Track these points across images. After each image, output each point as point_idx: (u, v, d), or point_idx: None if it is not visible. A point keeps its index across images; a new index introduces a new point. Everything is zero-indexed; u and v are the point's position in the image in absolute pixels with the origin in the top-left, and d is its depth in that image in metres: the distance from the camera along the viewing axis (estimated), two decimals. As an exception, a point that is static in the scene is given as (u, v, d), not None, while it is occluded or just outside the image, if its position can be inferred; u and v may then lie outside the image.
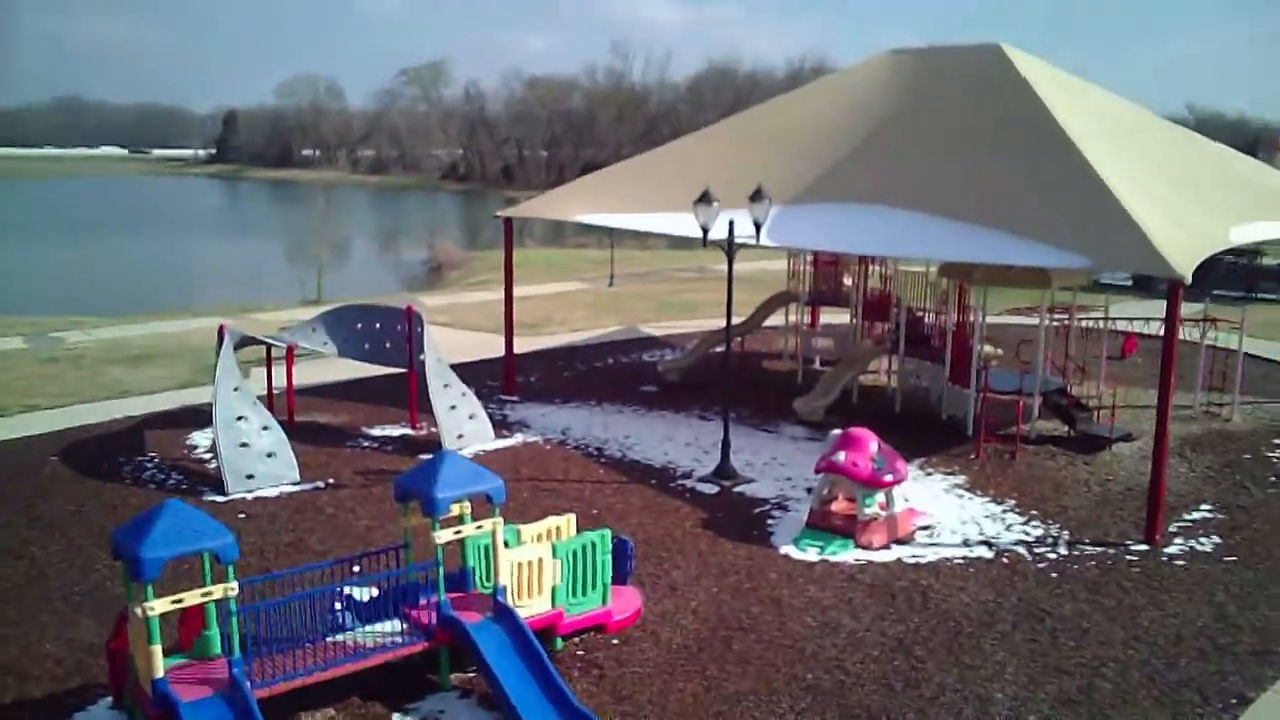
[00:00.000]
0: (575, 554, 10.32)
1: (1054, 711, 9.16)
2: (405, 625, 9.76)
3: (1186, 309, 22.96)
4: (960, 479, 15.46)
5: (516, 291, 20.77)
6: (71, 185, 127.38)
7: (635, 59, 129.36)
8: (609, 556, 10.56)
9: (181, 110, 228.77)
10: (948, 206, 16.00)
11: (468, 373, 19.00)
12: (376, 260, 63.68)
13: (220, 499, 14.56)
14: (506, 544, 10.23)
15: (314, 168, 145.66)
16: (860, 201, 17.21)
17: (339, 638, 9.53)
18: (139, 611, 8.12)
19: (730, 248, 15.01)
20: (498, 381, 20.77)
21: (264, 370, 18.63)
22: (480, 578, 10.42)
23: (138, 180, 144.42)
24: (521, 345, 23.45)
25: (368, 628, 9.64)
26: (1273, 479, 15.56)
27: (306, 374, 21.42)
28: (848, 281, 22.22)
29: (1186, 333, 23.91)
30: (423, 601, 9.83)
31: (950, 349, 18.35)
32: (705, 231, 14.78)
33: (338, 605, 10.33)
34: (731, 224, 14.85)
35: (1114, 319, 19.75)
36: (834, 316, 24.62)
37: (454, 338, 25.36)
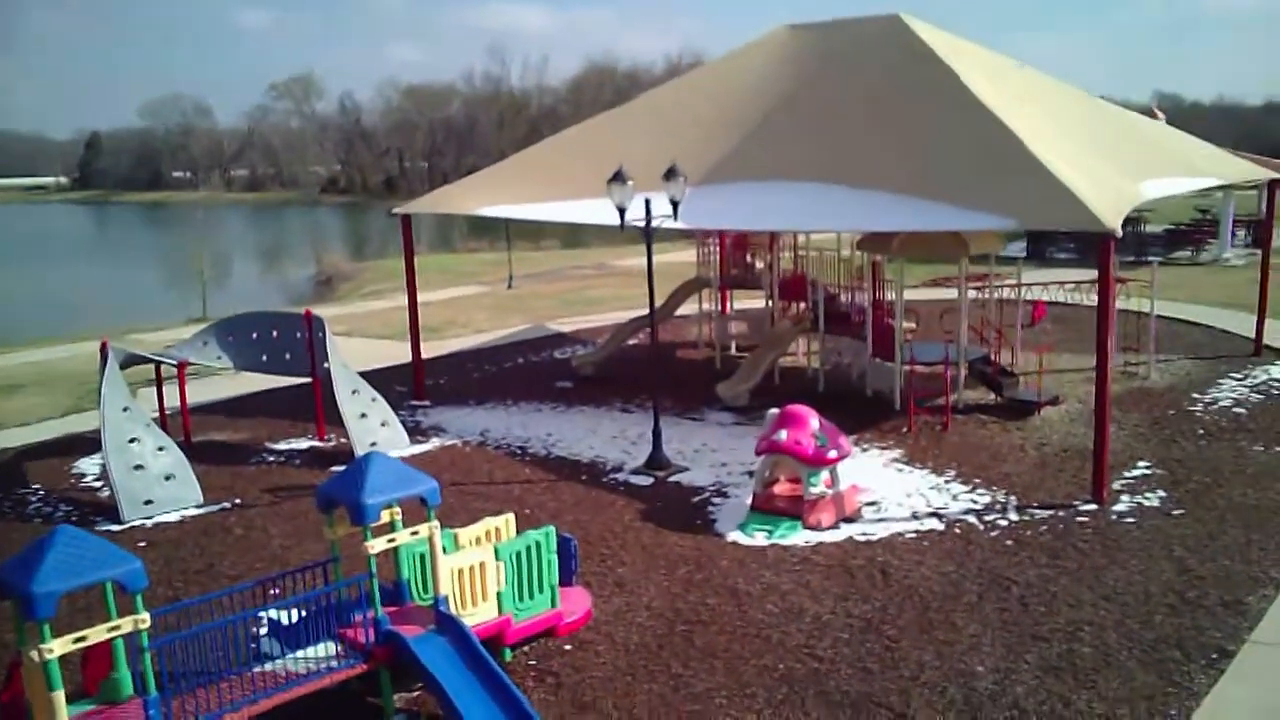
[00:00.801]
0: (519, 555, 9.54)
1: (1039, 680, 8.74)
2: (340, 647, 8.88)
3: (1085, 274, 23.23)
4: (896, 452, 15.11)
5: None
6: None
7: (512, 63, 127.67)
8: (554, 556, 9.84)
9: (39, 136, 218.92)
10: (864, 178, 15.62)
11: (373, 380, 17.95)
12: (260, 277, 61.40)
13: (116, 528, 13.37)
14: (444, 550, 9.42)
15: (186, 189, 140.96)
16: (772, 179, 16.74)
17: (266, 667, 8.60)
18: (34, 655, 7.09)
19: (648, 228, 14.39)
20: (406, 387, 19.81)
21: (154, 391, 17.35)
22: (417, 589, 9.58)
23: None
24: (426, 350, 22.39)
25: (298, 653, 8.73)
26: (1200, 432, 15.59)
27: (201, 392, 20.16)
28: (759, 264, 21.80)
29: (1085, 296, 24.33)
30: (357, 619, 8.95)
31: (871, 324, 18.04)
32: (622, 213, 14.12)
33: (260, 631, 9.41)
34: (648, 202, 14.23)
35: (1026, 285, 19.69)
36: (745, 301, 24.27)
37: (355, 346, 24.17)
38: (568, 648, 9.71)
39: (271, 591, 9.77)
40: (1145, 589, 10.34)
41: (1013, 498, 13.09)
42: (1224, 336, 22.18)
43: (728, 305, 23.56)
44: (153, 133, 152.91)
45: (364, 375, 17.17)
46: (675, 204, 14.36)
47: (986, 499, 13.09)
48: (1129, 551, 11.28)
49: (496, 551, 9.38)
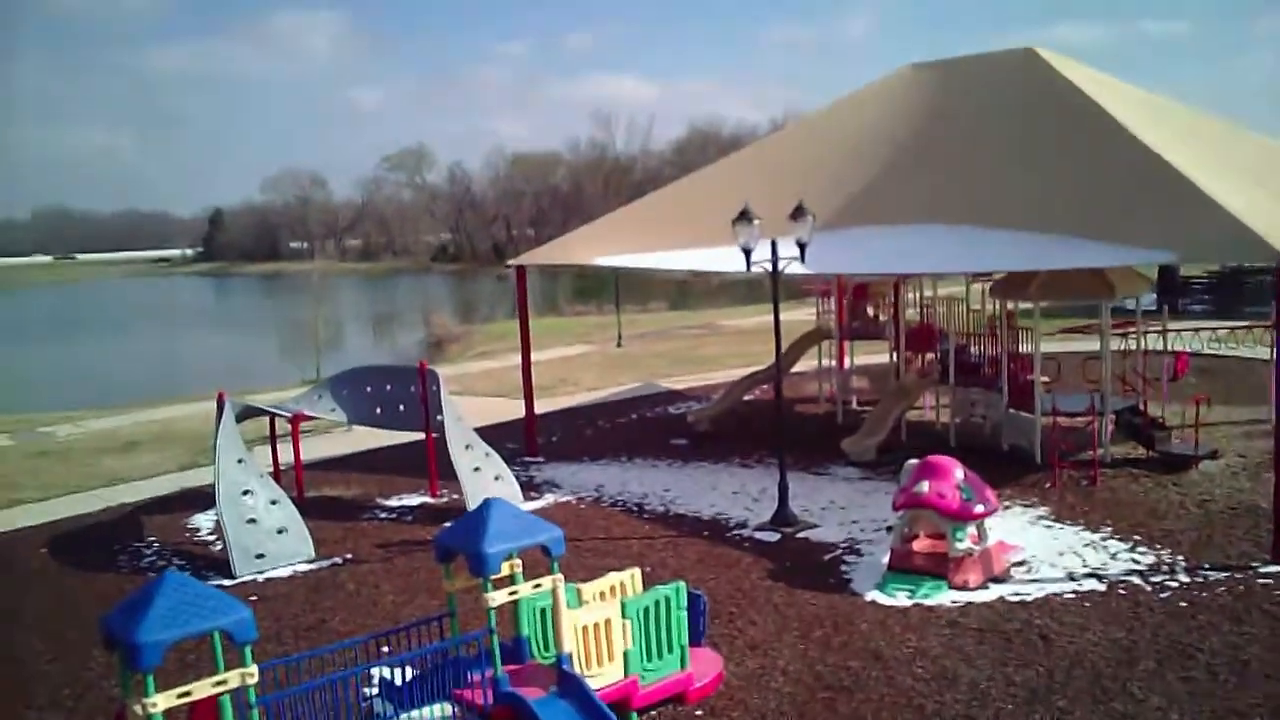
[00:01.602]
0: (647, 611, 8.84)
1: (1243, 761, 7.65)
2: (456, 709, 8.26)
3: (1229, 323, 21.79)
4: (1042, 509, 14.02)
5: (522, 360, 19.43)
6: (58, 291, 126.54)
7: (617, 129, 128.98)
8: (684, 613, 9.10)
9: (165, 214, 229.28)
10: (1001, 218, 14.78)
11: (484, 437, 17.50)
12: (373, 342, 62.46)
13: (228, 582, 13.05)
14: (567, 604, 8.77)
15: (302, 259, 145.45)
16: (901, 222, 16.02)
17: (376, 730, 8.02)
18: (139, 709, 6.62)
19: (775, 270, 13.72)
20: (518, 444, 19.35)
21: (268, 446, 17.20)
22: (538, 646, 8.93)
23: (125, 283, 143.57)
24: (537, 407, 22.11)
25: (411, 714, 8.13)
26: (1386, 487, 14.13)
27: (316, 448, 20.03)
28: (882, 315, 20.89)
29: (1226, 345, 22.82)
30: (474, 678, 8.32)
31: (1007, 374, 16.99)
32: (748, 254, 13.48)
33: (371, 690, 8.86)
34: (774, 243, 13.59)
35: (1174, 330, 18.42)
36: (865, 357, 23.35)
37: (465, 404, 23.86)
38: (699, 714, 8.92)
39: (383, 649, 9.25)
40: (1353, 659, 9.13)
41: (1180, 557, 11.90)
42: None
43: (845, 358, 22.68)
44: (271, 206, 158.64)
45: (475, 432, 16.78)
46: (803, 246, 13.68)
47: (1150, 559, 11.93)
48: (1326, 617, 10.05)
49: (624, 607, 8.69)
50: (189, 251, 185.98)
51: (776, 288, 14.01)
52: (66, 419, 27.50)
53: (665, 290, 73.21)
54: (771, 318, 14.83)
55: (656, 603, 8.88)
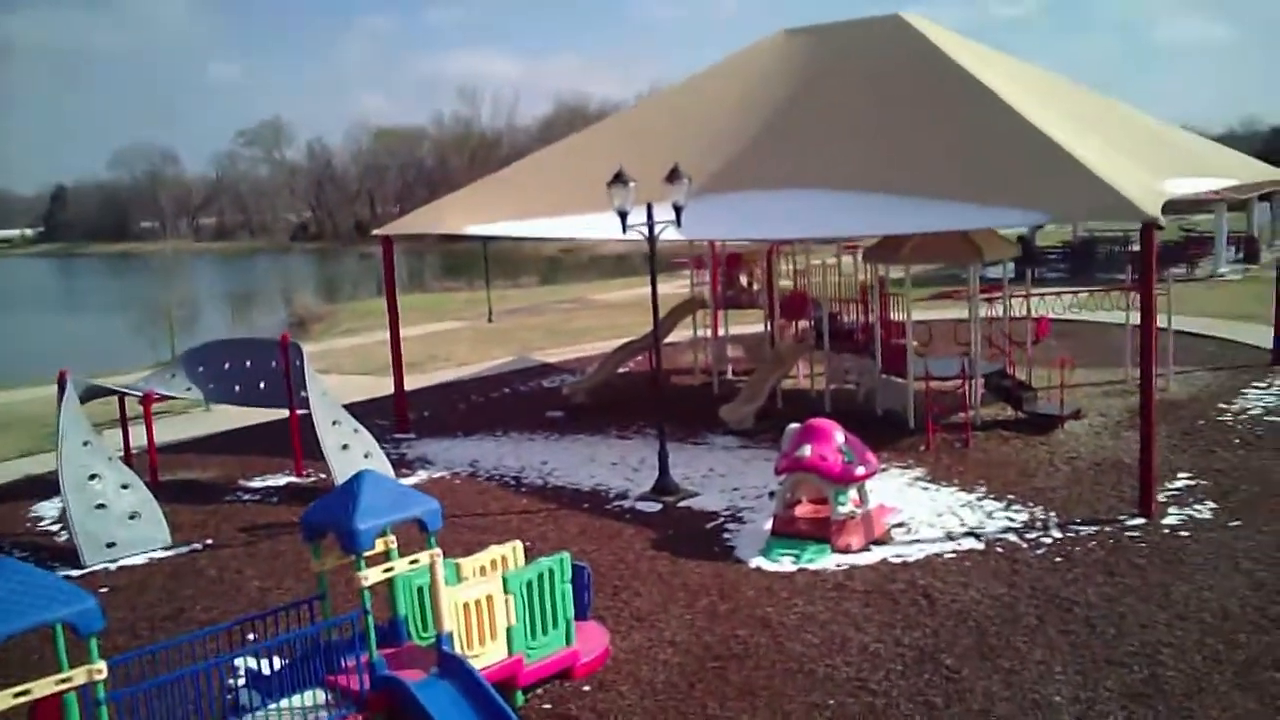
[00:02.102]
0: (530, 586, 8.49)
1: (1127, 709, 7.73)
2: (330, 695, 7.77)
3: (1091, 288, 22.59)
4: (918, 471, 14.15)
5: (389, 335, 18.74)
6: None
7: (483, 103, 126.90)
8: (569, 586, 8.78)
9: (4, 191, 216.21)
10: (873, 182, 14.81)
11: (352, 415, 16.86)
12: (230, 322, 59.98)
13: (76, 573, 12.16)
14: (446, 581, 8.35)
15: (153, 239, 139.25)
16: (775, 187, 15.90)
17: (242, 720, 7.48)
18: (-33, 714, 5.97)
19: (651, 234, 13.44)
20: (388, 420, 18.69)
21: (119, 430, 16.16)
22: (416, 627, 8.49)
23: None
24: (407, 384, 21.45)
25: (281, 703, 7.61)
26: (1237, 441, 14.73)
27: (170, 430, 18.97)
28: (755, 284, 20.84)
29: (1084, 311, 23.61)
30: (348, 663, 7.85)
31: (880, 340, 17.13)
32: (623, 217, 13.16)
33: (237, 681, 8.28)
34: (650, 207, 13.29)
35: (1039, 294, 18.89)
36: (738, 327, 23.33)
37: (331, 382, 23.00)
38: (587, 689, 8.62)
39: (249, 636, 8.67)
40: (1221, 606, 9.37)
41: (1053, 514, 12.13)
42: (1237, 347, 21.46)
43: (717, 329, 22.63)
44: (119, 184, 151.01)
45: (343, 408, 16.09)
46: (679, 210, 13.42)
47: (1024, 516, 12.12)
48: (1192, 566, 10.32)
49: (505, 582, 8.32)
50: (29, 231, 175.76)
51: (654, 252, 13.73)
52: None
53: (536, 265, 72.56)
54: (642, 290, 14.63)
55: (539, 576, 8.54)
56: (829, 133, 16.16)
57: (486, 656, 8.15)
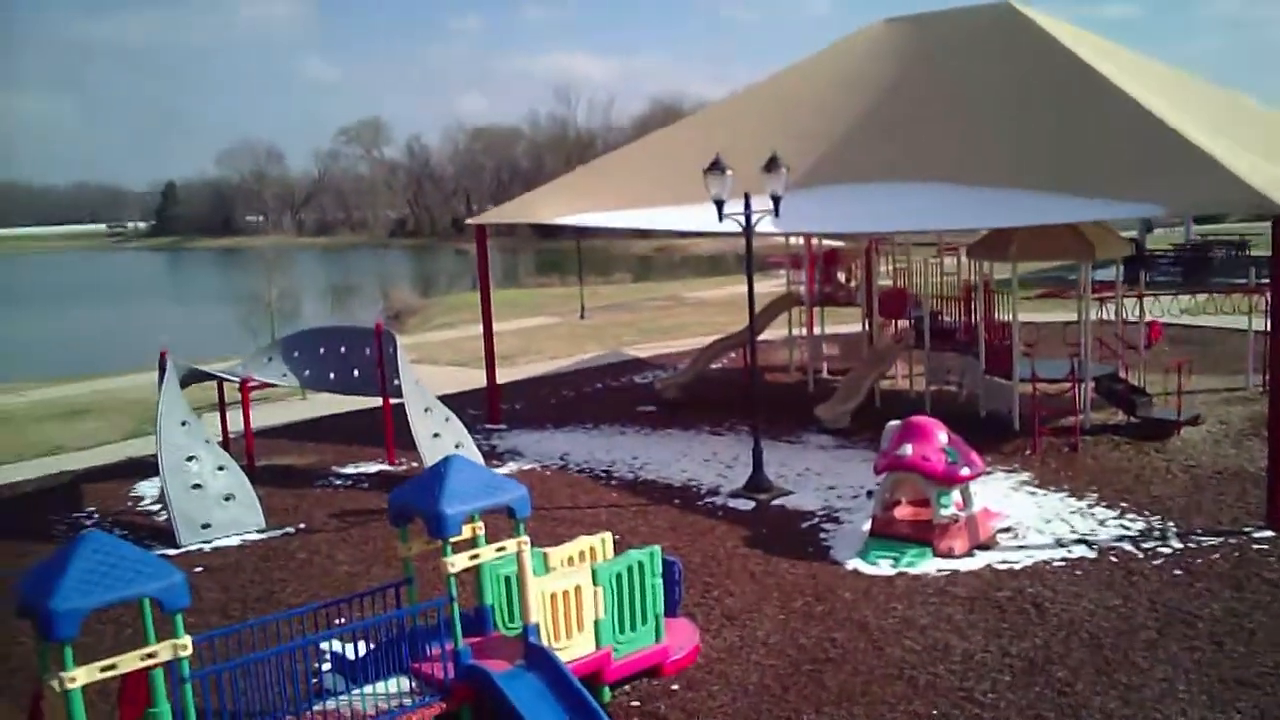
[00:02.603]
0: (620, 579, 8.23)
1: (1259, 734, 7.17)
2: (414, 683, 7.61)
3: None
4: (1024, 475, 13.56)
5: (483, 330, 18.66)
6: (7, 263, 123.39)
7: (578, 105, 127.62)
8: (659, 580, 8.50)
9: (118, 188, 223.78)
10: (981, 174, 14.26)
11: (448, 406, 16.93)
12: (330, 314, 61.14)
13: (172, 552, 12.29)
14: (534, 572, 8.14)
15: (258, 233, 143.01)
16: (875, 180, 15.44)
17: (329, 705, 7.35)
18: (55, 685, 5.92)
19: (748, 224, 13.09)
20: (480, 411, 18.64)
21: (216, 415, 16.36)
22: (503, 616, 8.29)
23: (76, 255, 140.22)
24: (501, 376, 21.43)
25: (365, 690, 7.47)
26: (1372, 453, 13.80)
27: (268, 415, 19.26)
28: (854, 281, 20.30)
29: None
30: (434, 651, 7.68)
31: (984, 339, 16.50)
32: (720, 205, 12.84)
33: (323, 665, 8.18)
34: (747, 196, 12.95)
35: (1152, 294, 18.02)
36: (835, 327, 22.81)
37: (425, 372, 23.12)
38: (675, 688, 8.32)
39: (336, 621, 8.57)
40: (1363, 626, 8.70)
41: (1171, 523, 11.46)
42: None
43: (816, 326, 22.14)
44: (227, 180, 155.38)
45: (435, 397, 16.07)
46: (776, 200, 13.06)
47: (1140, 525, 11.48)
48: (1328, 583, 9.63)
49: (594, 574, 8.07)
50: (141, 225, 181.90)
51: (750, 243, 13.37)
52: (9, 389, 26.40)
53: (628, 263, 72.59)
54: (736, 289, 14.30)
55: (629, 569, 8.28)
56: (932, 124, 15.62)
57: (573, 649, 7.92)
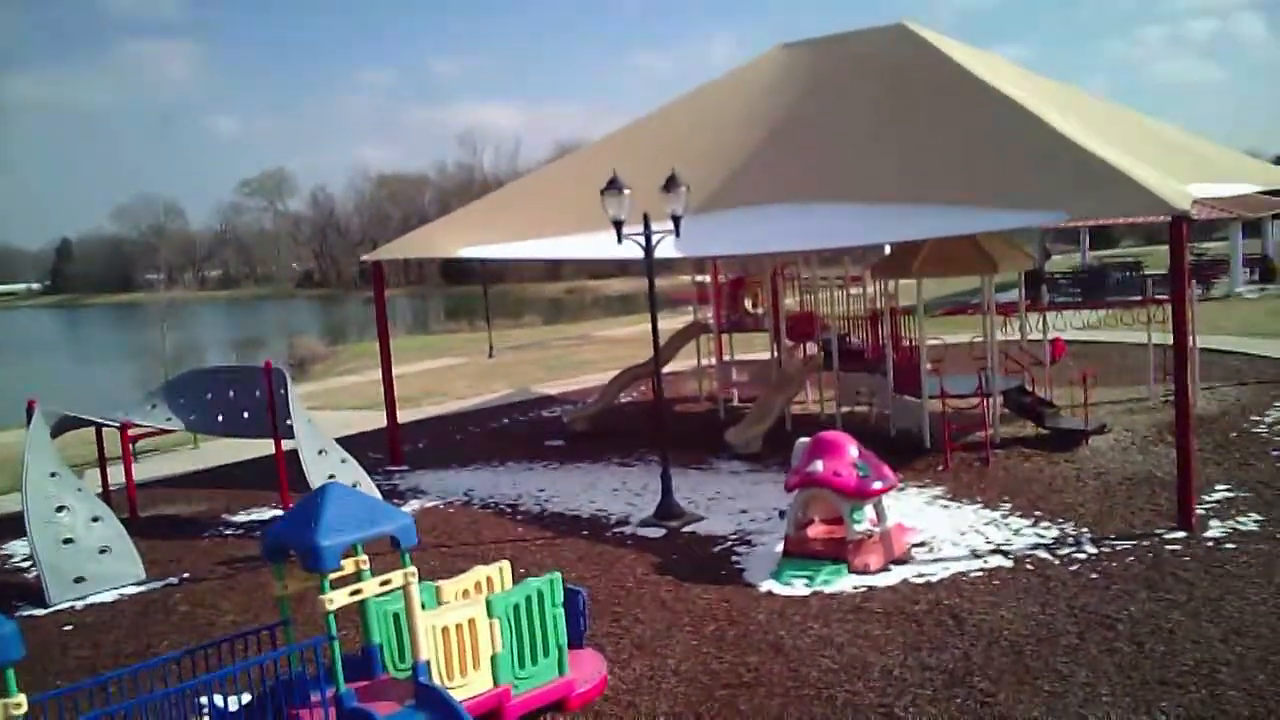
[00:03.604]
0: (518, 608, 7.70)
1: (1186, 735, 6.89)
2: (291, 733, 6.96)
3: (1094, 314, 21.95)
4: (937, 490, 13.37)
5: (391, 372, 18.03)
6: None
7: (485, 151, 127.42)
8: (561, 609, 7.99)
9: (10, 247, 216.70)
10: (882, 192, 14.17)
11: (346, 447, 16.22)
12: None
13: (41, 612, 11.40)
14: (423, 605, 7.57)
15: (158, 289, 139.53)
16: (777, 202, 15.28)
17: (196, 763, 6.68)
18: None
19: (648, 244, 12.76)
20: (381, 454, 17.92)
21: (97, 470, 15.43)
22: (391, 656, 7.69)
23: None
24: (404, 416, 20.75)
25: (236, 744, 6.81)
26: (1275, 453, 13.92)
27: (158, 467, 18.35)
28: (759, 310, 20.07)
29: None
30: (314, 698, 7.05)
31: (892, 359, 16.37)
32: (619, 226, 12.50)
33: (202, 716, 7.48)
34: (646, 216, 12.64)
35: (1058, 308, 18.16)
36: (743, 353, 22.60)
37: (327, 418, 22.35)
38: (582, 723, 7.80)
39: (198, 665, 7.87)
40: (1280, 621, 8.55)
41: (1084, 529, 11.31)
42: (1263, 361, 20.72)
43: (721, 353, 21.91)
44: (124, 237, 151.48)
45: (339, 443, 15.40)
46: (677, 220, 12.77)
47: (1054, 532, 11.30)
48: (1243, 580, 9.50)
49: (490, 605, 7.54)
50: (35, 285, 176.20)
51: (650, 265, 13.03)
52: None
53: (539, 306, 72.22)
54: (646, 326, 13.86)
55: (528, 598, 7.76)
56: (833, 145, 15.55)
57: (469, 687, 7.36)
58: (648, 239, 12.71)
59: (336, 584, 6.86)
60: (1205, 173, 16.06)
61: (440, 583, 8.04)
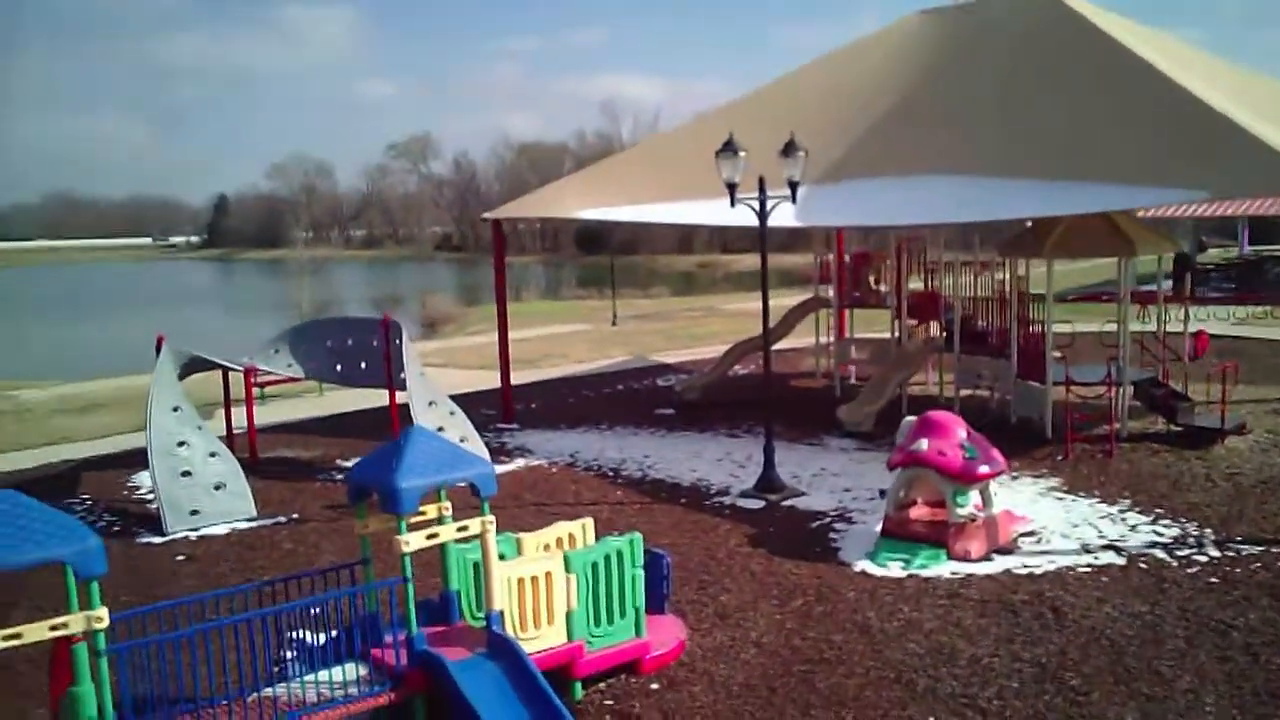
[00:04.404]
0: (596, 566, 7.64)
1: (1294, 752, 6.41)
2: (367, 670, 7.06)
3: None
4: (1053, 481, 12.79)
5: (514, 335, 18.22)
6: (65, 272, 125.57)
7: (624, 122, 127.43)
8: (640, 571, 7.89)
9: (174, 200, 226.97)
10: (1014, 166, 13.58)
11: (460, 404, 16.44)
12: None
13: (158, 540, 11.91)
14: (503, 556, 7.58)
15: (307, 247, 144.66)
16: (904, 174, 14.78)
17: (273, 691, 6.82)
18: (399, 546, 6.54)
19: (762, 210, 12.49)
20: (494, 411, 18.13)
21: (222, 410, 16.01)
22: (470, 605, 7.72)
23: (130, 266, 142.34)
24: (521, 378, 21.03)
25: (320, 674, 6.92)
26: None
27: (282, 411, 18.99)
28: (882, 287, 19.52)
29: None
30: (389, 639, 7.12)
31: (1016, 342, 15.71)
32: (732, 189, 12.26)
33: (286, 653, 7.65)
34: (762, 180, 12.35)
35: (1195, 301, 17.15)
36: (868, 330, 22.08)
37: (448, 375, 22.80)
38: (655, 686, 7.70)
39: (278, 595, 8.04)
40: None
41: (1208, 531, 10.65)
42: None
43: (844, 330, 21.44)
44: (277, 194, 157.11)
45: (452, 399, 15.64)
46: (794, 185, 12.46)
47: (1175, 531, 10.68)
48: (1378, 595, 8.80)
49: (567, 561, 7.49)
50: (194, 238, 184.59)
51: (764, 230, 12.74)
52: (35, 386, 26.36)
53: (670, 279, 72.14)
54: (775, 301, 13.58)
55: (607, 557, 7.68)
56: (967, 116, 14.98)
57: (542, 640, 7.34)
58: (762, 204, 12.44)
59: (416, 528, 6.91)
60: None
61: (523, 535, 8.03)
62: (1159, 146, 12.13)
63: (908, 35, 17.25)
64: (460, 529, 7.05)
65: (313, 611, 7.16)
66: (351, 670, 7.06)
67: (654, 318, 36.62)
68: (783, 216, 13.88)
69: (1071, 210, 12.87)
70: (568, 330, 32.97)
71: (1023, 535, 10.74)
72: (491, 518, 7.06)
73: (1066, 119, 13.67)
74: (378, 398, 16.92)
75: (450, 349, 30.01)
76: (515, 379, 19.59)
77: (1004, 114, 14.48)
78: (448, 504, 7.33)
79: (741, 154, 12.02)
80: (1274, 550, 9.99)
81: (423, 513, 7.14)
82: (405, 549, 6.76)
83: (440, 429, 14.30)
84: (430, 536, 6.96)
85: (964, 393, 16.94)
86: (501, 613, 7.09)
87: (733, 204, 12.29)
